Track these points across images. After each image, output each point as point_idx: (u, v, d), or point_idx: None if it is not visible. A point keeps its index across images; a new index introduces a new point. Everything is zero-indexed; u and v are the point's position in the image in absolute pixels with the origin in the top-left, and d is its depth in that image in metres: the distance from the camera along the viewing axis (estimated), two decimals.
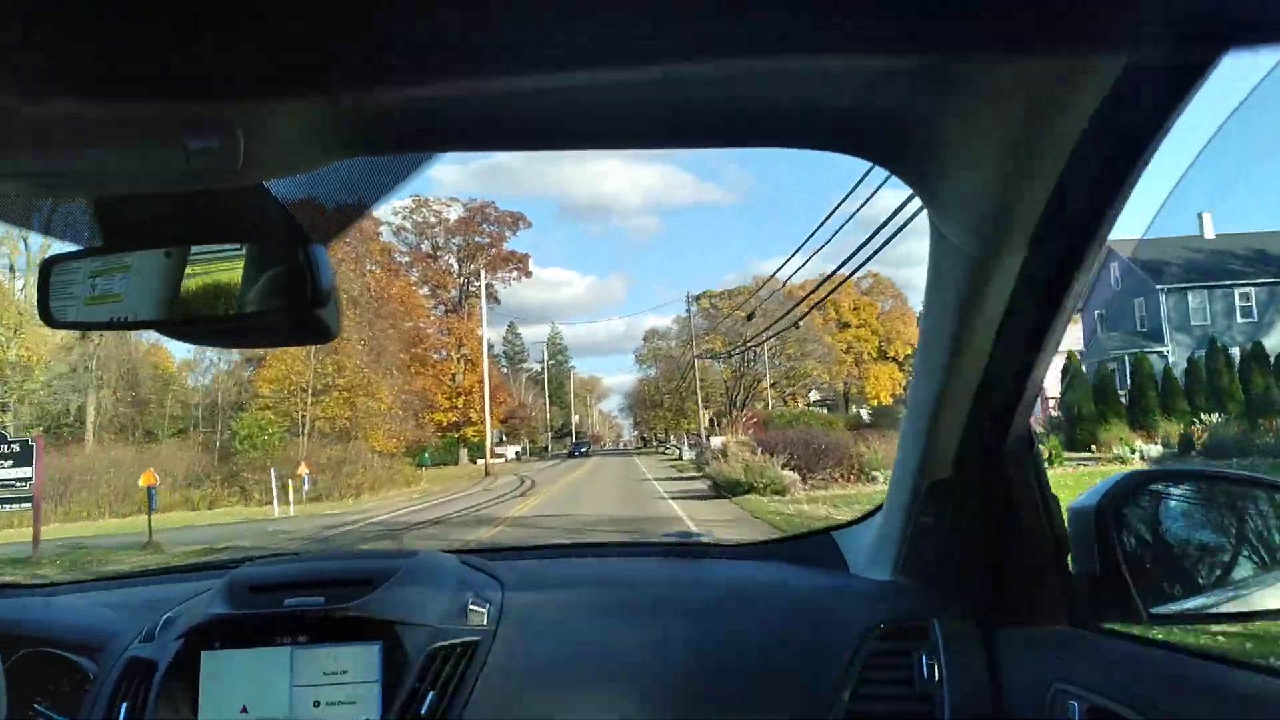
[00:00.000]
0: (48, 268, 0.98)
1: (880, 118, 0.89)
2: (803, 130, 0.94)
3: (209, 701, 1.46)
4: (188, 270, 0.96)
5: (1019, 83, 0.81)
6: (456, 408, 55.91)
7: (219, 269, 0.96)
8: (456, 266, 63.47)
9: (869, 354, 65.80)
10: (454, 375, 58.12)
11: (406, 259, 58.45)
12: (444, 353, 59.70)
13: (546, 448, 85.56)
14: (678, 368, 67.33)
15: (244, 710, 1.46)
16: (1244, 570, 1.32)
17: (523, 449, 79.74)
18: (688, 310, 66.62)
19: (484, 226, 63.66)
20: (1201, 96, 0.79)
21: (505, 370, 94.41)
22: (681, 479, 28.91)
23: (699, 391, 52.75)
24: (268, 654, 1.49)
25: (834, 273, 19.56)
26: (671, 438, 77.15)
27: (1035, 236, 1.01)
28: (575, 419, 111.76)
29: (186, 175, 0.72)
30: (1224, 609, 1.31)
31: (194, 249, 0.96)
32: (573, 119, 0.87)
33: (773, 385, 57.61)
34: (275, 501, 25.24)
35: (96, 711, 1.46)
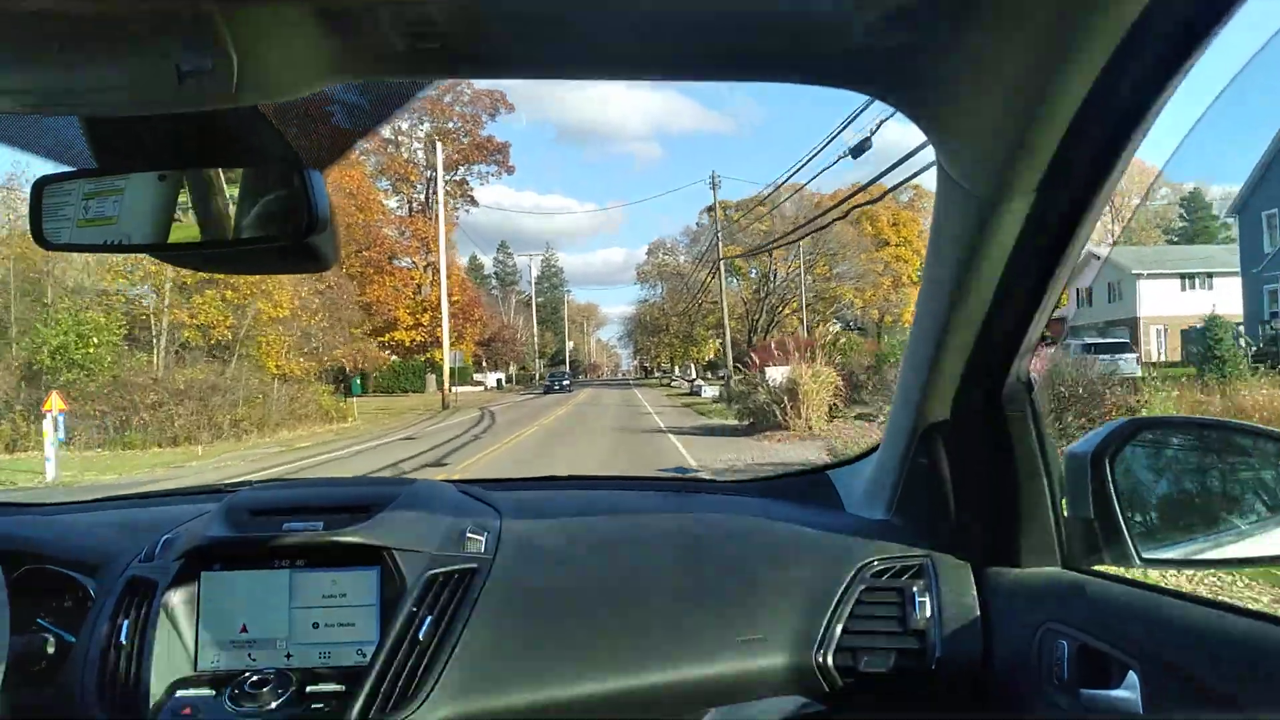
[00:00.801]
0: (40, 188, 0.97)
1: (891, 54, 0.87)
2: (811, 66, 0.92)
3: (209, 621, 1.48)
4: (182, 194, 0.95)
5: (1034, 25, 0.79)
6: (422, 325, 49.19)
7: (213, 194, 0.95)
8: (423, 158, 54.83)
9: (909, 276, 56.23)
10: (419, 287, 51.41)
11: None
12: (408, 261, 52.87)
13: (537, 375, 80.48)
14: (687, 287, 59.90)
15: (244, 630, 1.48)
16: (1236, 517, 1.33)
17: (508, 376, 74.23)
18: (697, 224, 61.27)
19: (456, 109, 55.25)
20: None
21: (496, 291, 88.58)
22: (702, 429, 21.92)
23: (725, 304, 44.29)
24: (267, 576, 1.51)
25: (870, 183, 16.65)
26: (676, 369, 71.49)
27: (1044, 180, 1.00)
28: (569, 346, 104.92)
29: (180, 97, 0.70)
30: (1215, 555, 1.32)
31: (189, 173, 0.95)
32: (576, 47, 0.84)
33: (794, 311, 51.02)
34: (49, 456, 15.56)
35: (98, 629, 1.48)
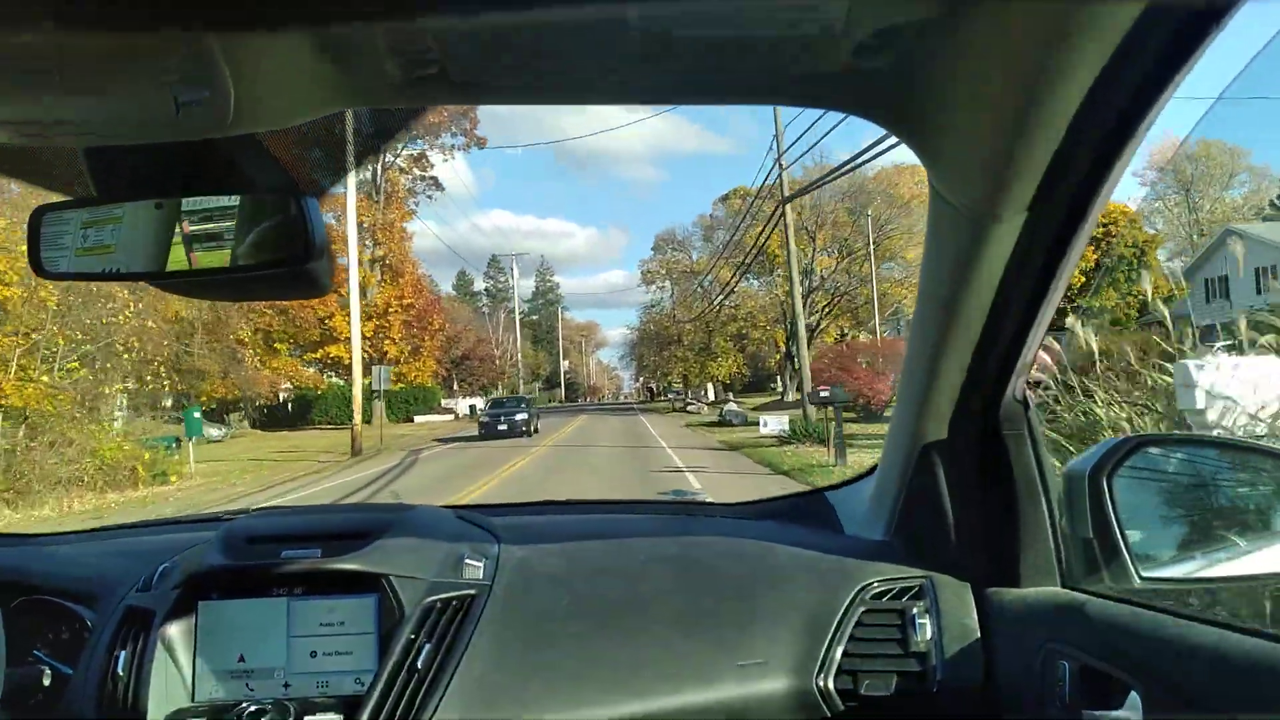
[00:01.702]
0: (38, 217, 0.98)
1: (880, 76, 0.87)
2: (801, 88, 0.93)
3: (206, 651, 1.47)
4: (179, 222, 0.95)
5: (1022, 44, 0.79)
6: (365, 336, 36.04)
7: (211, 221, 0.95)
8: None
9: None
10: (365, 289, 38.99)
11: None
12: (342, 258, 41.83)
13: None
14: (703, 288, 51.15)
15: (241, 659, 1.47)
16: (1236, 534, 1.33)
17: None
18: (711, 215, 53.82)
19: None
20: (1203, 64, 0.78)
21: (486, 308, 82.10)
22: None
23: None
24: (265, 604, 1.50)
25: None
26: (689, 390, 58.33)
27: (1036, 198, 1.00)
28: (565, 366, 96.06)
29: (178, 126, 0.71)
30: (1216, 573, 1.32)
31: (186, 201, 0.95)
32: (570, 73, 0.85)
33: (829, 311, 44.13)
34: None
35: (95, 660, 1.47)
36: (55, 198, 1.00)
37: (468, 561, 1.55)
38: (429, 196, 53.71)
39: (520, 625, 1.48)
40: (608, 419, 43.51)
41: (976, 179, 1.02)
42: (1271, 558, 1.27)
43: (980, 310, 1.21)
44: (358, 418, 25.46)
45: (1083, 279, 40.02)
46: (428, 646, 1.42)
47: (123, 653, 1.45)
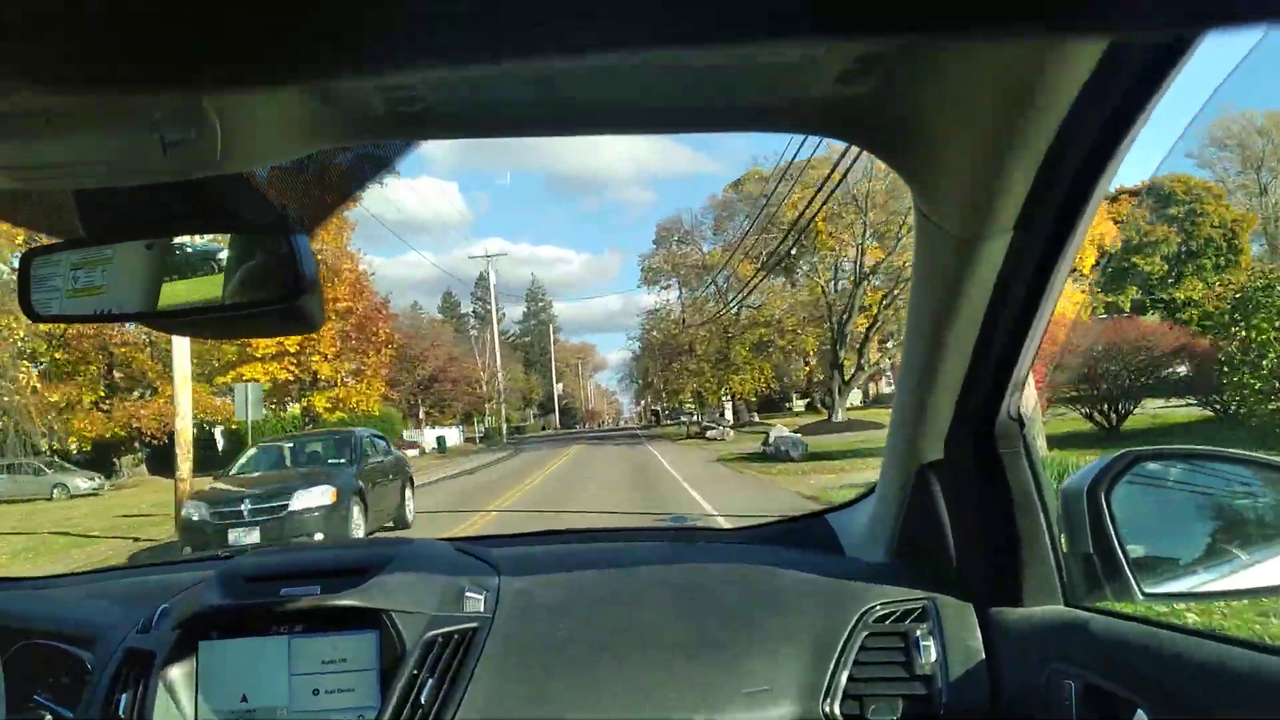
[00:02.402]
0: (28, 261, 0.98)
1: (862, 101, 0.88)
2: (784, 114, 0.94)
3: (208, 691, 1.46)
4: (170, 262, 0.95)
5: (1002, 66, 0.80)
6: (289, 353, 30.41)
7: (201, 260, 0.96)
8: None
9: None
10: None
11: None
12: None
13: (502, 427, 60.42)
14: (717, 287, 44.02)
15: (244, 700, 1.46)
16: (1237, 548, 1.32)
17: (485, 433, 56.74)
18: (724, 194, 45.31)
19: None
20: (1182, 78, 0.79)
21: (475, 330, 73.48)
22: None
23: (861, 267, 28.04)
24: (265, 643, 1.49)
25: None
26: (702, 412, 49.26)
27: (1021, 219, 1.01)
28: (558, 388, 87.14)
29: (165, 166, 0.71)
30: (1218, 587, 1.31)
31: (176, 241, 0.96)
32: (555, 107, 0.86)
33: (887, 305, 33.62)
34: None
35: (96, 703, 1.46)
36: (46, 240, 1.00)
37: (468, 594, 1.54)
38: (380, 183, 48.53)
39: (522, 657, 1.47)
40: (607, 450, 34.49)
41: (961, 200, 1.03)
42: (1273, 571, 1.27)
43: (971, 329, 1.22)
44: (183, 469, 14.81)
45: (1164, 266, 35.24)
46: (430, 681, 1.41)
47: (124, 695, 1.44)
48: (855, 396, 41.63)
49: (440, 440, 44.71)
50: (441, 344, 54.02)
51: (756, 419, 45.32)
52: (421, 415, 51.42)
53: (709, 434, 38.20)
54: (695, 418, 49.76)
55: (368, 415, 36.08)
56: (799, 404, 54.29)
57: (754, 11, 0.35)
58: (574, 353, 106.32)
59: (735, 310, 41.44)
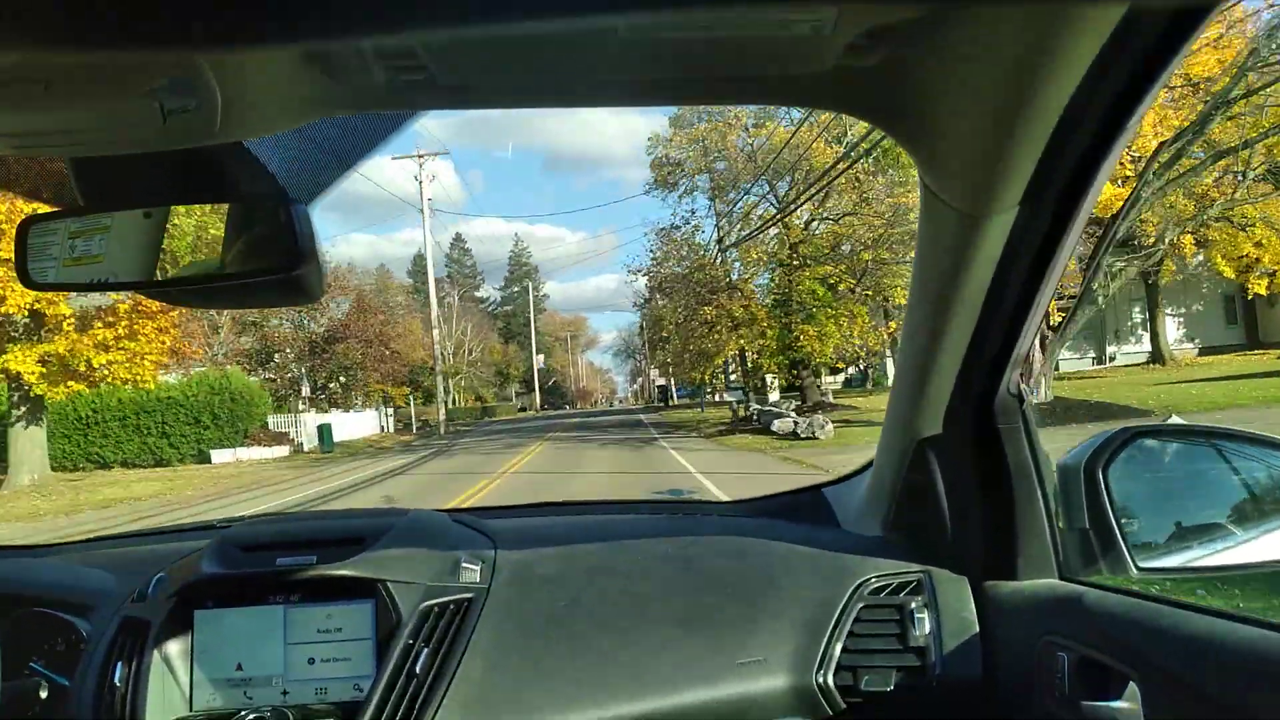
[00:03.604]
0: (25, 229, 0.97)
1: (870, 74, 0.87)
2: (791, 87, 0.93)
3: (204, 660, 1.47)
4: (168, 231, 0.95)
5: (1010, 40, 0.80)
6: None
7: (200, 230, 0.95)
8: None
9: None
10: None
11: None
12: None
13: (441, 417, 40.16)
14: (774, 191, 28.16)
15: (239, 668, 1.47)
16: (1232, 524, 1.33)
17: (422, 423, 42.57)
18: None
19: None
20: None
21: (450, 297, 63.79)
22: None
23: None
24: (261, 612, 1.49)
25: None
26: (747, 388, 33.05)
27: (1026, 195, 1.01)
28: (538, 360, 74.79)
29: (165, 135, 0.71)
30: (1212, 562, 1.32)
31: (174, 210, 0.95)
32: (558, 75, 0.85)
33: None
34: None
35: (92, 671, 1.46)
36: (43, 208, 0.99)
37: (464, 565, 1.55)
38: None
39: (518, 628, 1.48)
40: (590, 455, 20.41)
41: (967, 176, 1.02)
42: (1267, 546, 1.28)
43: (973, 305, 1.22)
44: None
45: None
46: (425, 651, 1.42)
47: (120, 663, 1.45)
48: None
49: (324, 431, 29.74)
50: (367, 298, 41.58)
51: (830, 399, 29.34)
52: (308, 392, 36.04)
53: (775, 426, 20.85)
54: (742, 397, 32.29)
55: (242, 397, 27.26)
56: (831, 378, 37.12)
57: None
58: (564, 326, 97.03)
59: (806, 223, 26.94)
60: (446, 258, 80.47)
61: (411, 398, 46.66)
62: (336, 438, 31.03)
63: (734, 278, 29.45)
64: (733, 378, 37.66)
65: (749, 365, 31.42)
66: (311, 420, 32.74)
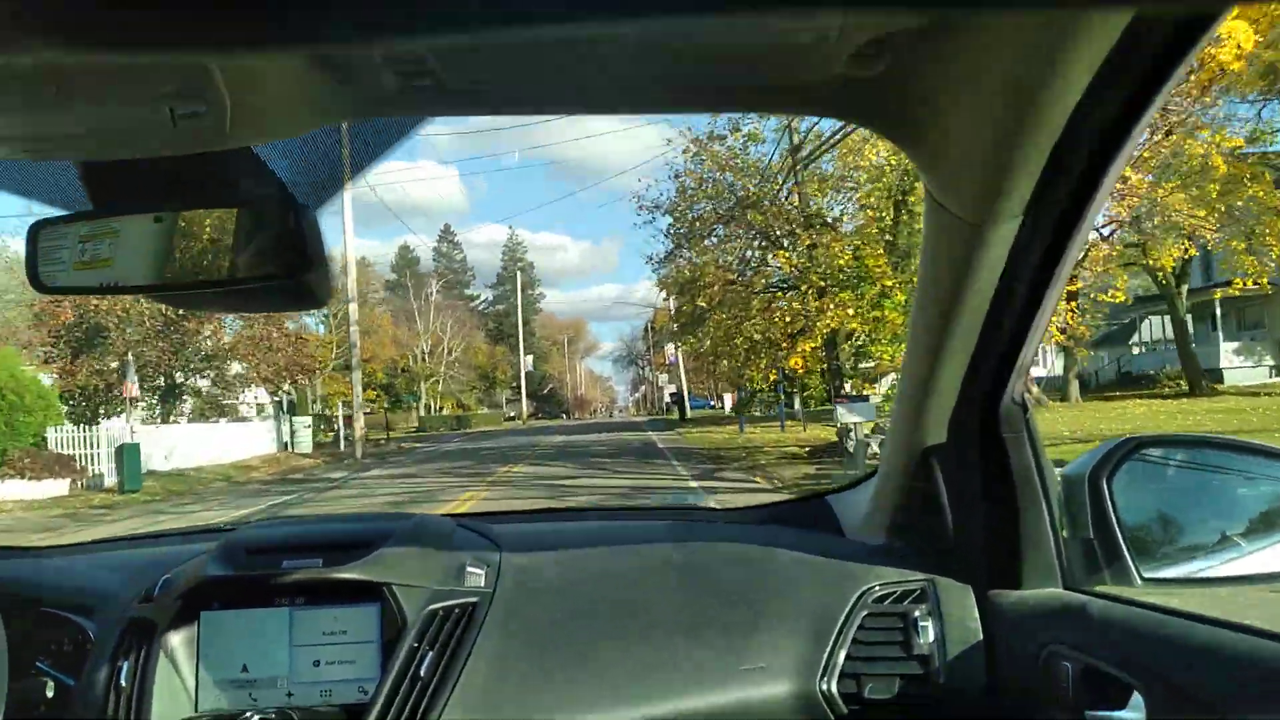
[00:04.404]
0: (35, 232, 0.98)
1: (874, 83, 0.88)
2: (796, 96, 0.93)
3: (209, 661, 1.48)
4: (177, 235, 0.95)
5: (1015, 49, 0.80)
6: None
7: (209, 234, 0.96)
8: None
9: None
10: None
11: None
12: None
13: (459, 418, 39.63)
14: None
15: (245, 670, 1.47)
16: (1238, 535, 1.33)
17: (361, 435, 28.55)
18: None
19: None
20: None
21: (435, 294, 58.20)
22: None
23: None
24: (267, 615, 1.50)
25: None
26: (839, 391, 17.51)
27: (1030, 204, 1.01)
28: (526, 362, 63.85)
29: (175, 139, 0.71)
30: (1218, 573, 1.32)
31: (184, 214, 0.96)
32: (566, 83, 0.86)
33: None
34: None
35: (98, 671, 1.47)
36: (53, 212, 1.00)
37: (469, 569, 1.55)
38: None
39: (522, 632, 1.48)
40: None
41: (971, 185, 1.03)
42: (1272, 557, 1.27)
43: (978, 314, 1.22)
44: None
45: None
46: (430, 654, 1.42)
47: (125, 664, 1.45)
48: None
49: (125, 457, 18.38)
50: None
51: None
52: (135, 390, 21.68)
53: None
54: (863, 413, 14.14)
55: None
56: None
57: None
58: (561, 329, 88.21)
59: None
60: (435, 251, 75.28)
61: (389, 402, 39.63)
62: (198, 458, 22.24)
63: (810, 214, 19.66)
64: (832, 392, 21.34)
65: (845, 355, 20.40)
66: (117, 429, 20.98)
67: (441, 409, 49.74)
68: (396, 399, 41.62)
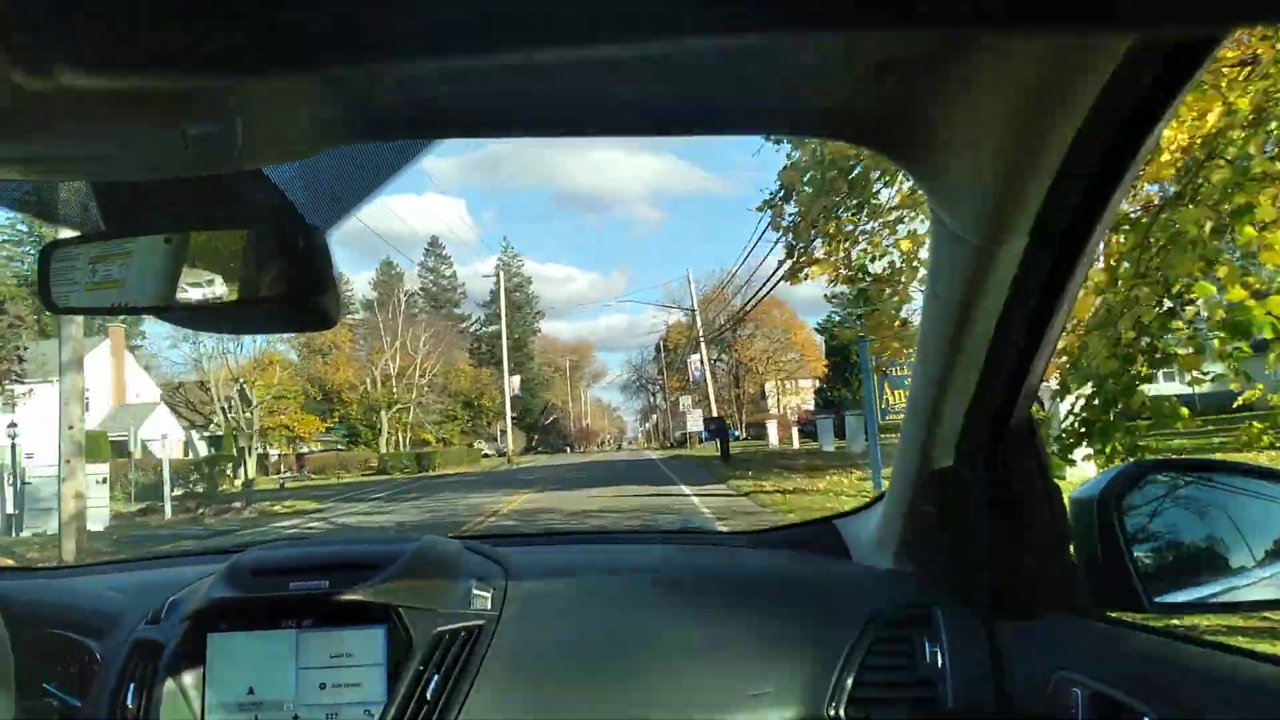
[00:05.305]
0: (48, 253, 0.99)
1: (880, 106, 0.88)
2: (802, 118, 0.94)
3: (216, 683, 1.47)
4: (188, 256, 0.96)
5: (1021, 71, 0.80)
6: None
7: (219, 255, 0.96)
8: None
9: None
10: None
11: None
12: None
13: (420, 455, 34.32)
14: None
15: (251, 692, 1.47)
16: (1248, 560, 1.32)
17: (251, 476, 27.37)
18: None
19: None
20: None
21: (422, 313, 52.30)
22: None
23: None
24: (273, 637, 1.50)
25: None
26: None
27: (1037, 224, 1.01)
28: (514, 381, 53.46)
29: (185, 161, 0.72)
30: (1228, 598, 1.31)
31: (194, 235, 0.96)
32: (572, 104, 0.86)
33: None
34: None
35: (104, 693, 1.47)
36: (65, 233, 1.01)
37: (476, 593, 1.55)
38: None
39: (529, 656, 1.48)
40: None
41: (977, 206, 1.03)
42: None
43: (984, 336, 1.22)
44: None
45: None
46: (436, 677, 1.42)
47: (132, 686, 1.46)
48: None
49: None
50: None
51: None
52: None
53: None
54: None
55: None
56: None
57: (774, 4, 0.35)
58: (564, 351, 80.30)
59: None
60: (420, 266, 69.15)
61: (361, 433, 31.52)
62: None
63: None
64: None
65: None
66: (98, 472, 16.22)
67: (425, 442, 41.44)
68: (352, 432, 35.62)
